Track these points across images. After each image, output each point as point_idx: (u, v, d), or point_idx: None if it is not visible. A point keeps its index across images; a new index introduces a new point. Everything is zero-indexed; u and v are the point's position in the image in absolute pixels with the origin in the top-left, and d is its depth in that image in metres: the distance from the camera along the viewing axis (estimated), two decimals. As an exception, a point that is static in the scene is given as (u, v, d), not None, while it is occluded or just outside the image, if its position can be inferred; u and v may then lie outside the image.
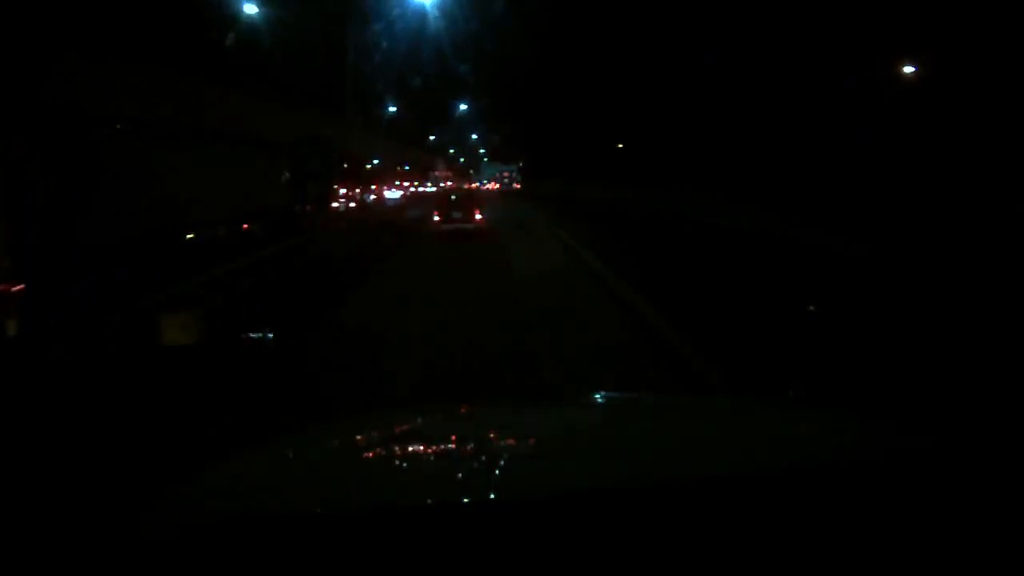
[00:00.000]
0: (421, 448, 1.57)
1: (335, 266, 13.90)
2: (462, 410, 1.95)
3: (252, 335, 3.53)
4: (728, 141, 18.39)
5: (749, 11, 15.53)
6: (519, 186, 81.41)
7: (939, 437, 1.47)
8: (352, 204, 31.11)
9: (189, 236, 14.54)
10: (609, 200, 29.37)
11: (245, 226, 16.79)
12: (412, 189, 66.52)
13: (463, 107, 57.95)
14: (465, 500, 1.15)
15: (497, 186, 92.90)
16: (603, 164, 33.70)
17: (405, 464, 1.47)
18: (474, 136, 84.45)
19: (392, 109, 47.97)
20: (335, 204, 31.07)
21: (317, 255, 16.33)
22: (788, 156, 15.18)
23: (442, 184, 77.82)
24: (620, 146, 32.71)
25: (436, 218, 18.39)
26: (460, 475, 1.33)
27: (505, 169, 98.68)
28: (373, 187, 55.74)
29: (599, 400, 2.26)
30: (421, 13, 32.27)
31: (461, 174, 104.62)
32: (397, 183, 66.40)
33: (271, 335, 3.48)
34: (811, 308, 6.22)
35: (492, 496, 1.21)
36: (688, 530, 1.00)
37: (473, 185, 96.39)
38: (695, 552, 0.96)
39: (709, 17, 17.27)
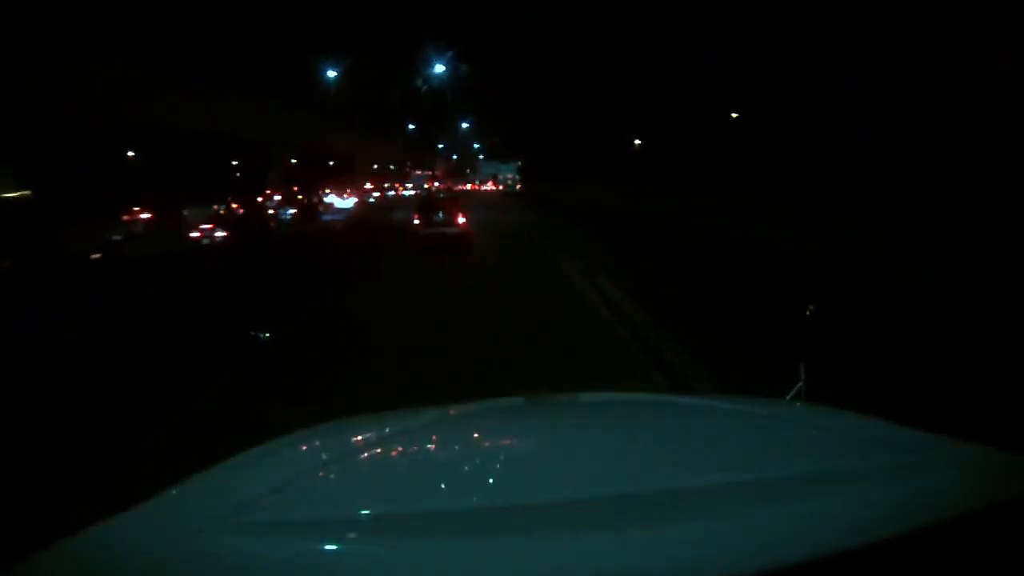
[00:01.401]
0: (410, 453, 1.54)
1: None
2: (453, 412, 1.88)
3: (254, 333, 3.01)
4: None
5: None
6: (521, 187, 71.51)
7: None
8: (220, 233, 19.87)
9: None
10: (646, 210, 22.79)
11: None
12: (376, 195, 54.15)
13: (447, 77, 48.14)
14: (458, 508, 1.14)
15: (501, 187, 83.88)
16: (617, 164, 28.73)
17: (396, 470, 1.45)
18: (464, 125, 71.93)
19: (331, 73, 37.38)
20: (195, 234, 20.39)
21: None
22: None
23: (426, 186, 66.05)
24: (637, 142, 27.41)
25: (416, 221, 17.87)
26: (449, 483, 1.31)
27: (506, 170, 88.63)
28: (328, 192, 45.41)
29: (597, 400, 2.15)
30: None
31: (455, 173, 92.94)
32: (367, 187, 55.51)
33: (266, 334, 2.96)
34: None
35: (483, 503, 1.19)
36: (694, 539, 0.99)
37: (471, 186, 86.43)
38: (697, 558, 0.97)
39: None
